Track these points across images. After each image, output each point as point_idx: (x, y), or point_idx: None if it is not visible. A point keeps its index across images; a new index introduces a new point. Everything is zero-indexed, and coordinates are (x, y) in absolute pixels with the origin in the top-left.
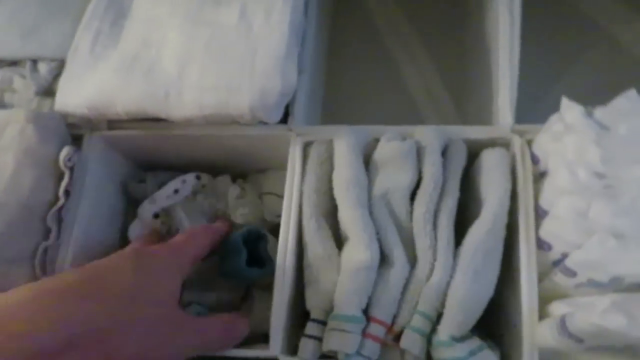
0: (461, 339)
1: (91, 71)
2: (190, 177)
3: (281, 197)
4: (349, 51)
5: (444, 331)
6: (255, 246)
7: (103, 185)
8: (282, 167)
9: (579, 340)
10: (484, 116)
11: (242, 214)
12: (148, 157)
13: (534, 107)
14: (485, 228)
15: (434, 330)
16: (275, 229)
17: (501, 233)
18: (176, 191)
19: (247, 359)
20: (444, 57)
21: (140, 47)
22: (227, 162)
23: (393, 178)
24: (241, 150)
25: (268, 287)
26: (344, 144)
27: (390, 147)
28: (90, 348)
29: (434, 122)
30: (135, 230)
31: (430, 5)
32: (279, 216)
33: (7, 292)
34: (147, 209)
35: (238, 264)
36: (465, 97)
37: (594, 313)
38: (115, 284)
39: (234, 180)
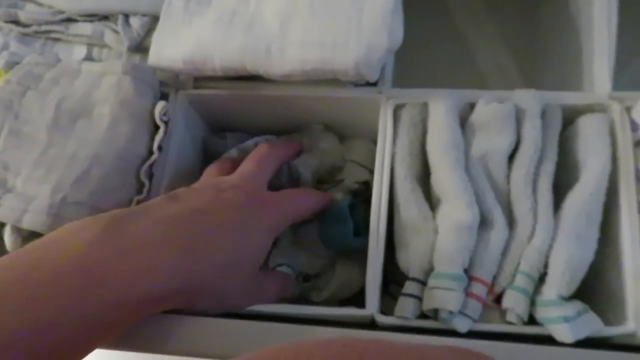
0: (568, 299)
1: (186, 26)
2: (271, 137)
3: (361, 165)
4: (417, 24)
5: (552, 290)
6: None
7: (185, 145)
8: (367, 135)
9: None
10: (564, 85)
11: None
12: (227, 119)
13: (623, 73)
14: (589, 191)
15: (536, 291)
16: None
17: (602, 197)
18: (256, 145)
19: (341, 320)
20: (513, 29)
21: (237, 3)
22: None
23: (492, 141)
24: (328, 115)
25: (348, 254)
26: (441, 107)
27: (490, 109)
28: (187, 300)
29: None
30: None
31: None
32: (358, 182)
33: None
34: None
35: (344, 234)
36: (537, 66)
37: None
38: (215, 248)
39: None
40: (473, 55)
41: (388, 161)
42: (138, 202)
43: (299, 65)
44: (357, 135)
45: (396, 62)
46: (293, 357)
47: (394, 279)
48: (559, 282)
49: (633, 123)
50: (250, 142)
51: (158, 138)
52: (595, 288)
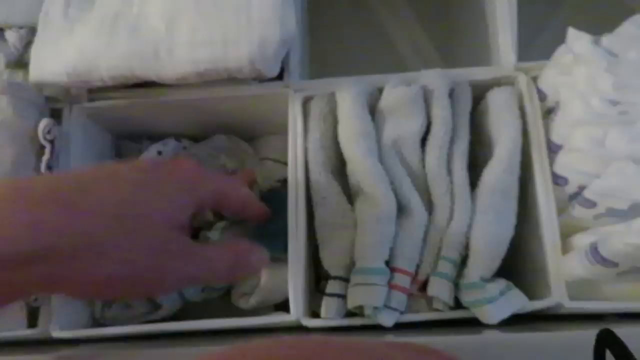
0: (490, 279)
1: (67, 36)
2: (170, 140)
3: (278, 161)
4: (329, 8)
5: (473, 272)
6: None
7: (88, 159)
8: (279, 131)
9: (613, 264)
10: (476, 61)
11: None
12: (133, 128)
13: (532, 45)
14: (501, 167)
15: (459, 274)
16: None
17: (516, 171)
18: (159, 153)
19: (268, 327)
20: (426, 9)
21: (119, 6)
22: (221, 130)
23: (402, 125)
24: (235, 114)
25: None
26: (347, 96)
27: (397, 93)
28: (66, 262)
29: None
30: None
31: None
32: (279, 181)
33: None
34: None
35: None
36: (452, 45)
37: (632, 233)
38: (103, 198)
39: None
40: (390, 38)
41: (301, 157)
42: None
43: (191, 66)
44: (270, 132)
45: (312, 53)
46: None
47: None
48: (479, 263)
49: (540, 92)
50: (153, 151)
51: (45, 158)
52: (521, 263)
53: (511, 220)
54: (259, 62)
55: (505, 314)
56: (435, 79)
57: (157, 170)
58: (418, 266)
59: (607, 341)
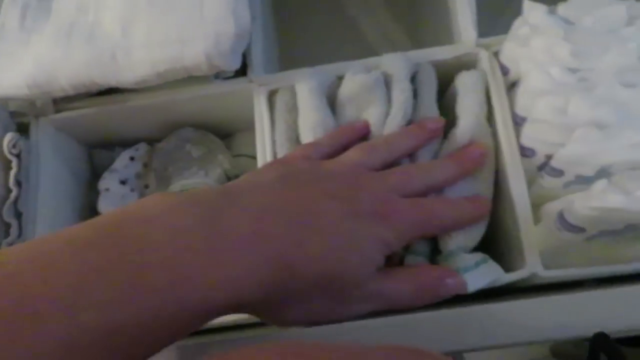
0: (466, 249)
1: (25, 47)
2: (142, 145)
3: (252, 157)
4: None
5: (449, 242)
6: None
7: (59, 171)
8: (250, 126)
9: (581, 230)
10: (442, 41)
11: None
12: (104, 136)
13: (496, 21)
14: (464, 140)
15: (435, 251)
16: None
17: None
18: (132, 158)
19: None
20: None
21: (75, 14)
22: None
23: (363, 114)
24: (204, 114)
25: None
26: (305, 88)
27: (355, 81)
28: (264, 310)
29: None
30: (106, 203)
31: None
32: None
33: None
34: (110, 178)
35: None
36: (419, 27)
37: (592, 197)
38: (320, 244)
39: None
40: (358, 25)
41: (270, 150)
42: (10, 245)
43: (150, 68)
44: (242, 128)
45: (281, 44)
46: None
47: None
48: (455, 236)
49: (503, 67)
50: (125, 157)
51: (12, 173)
52: (497, 238)
53: (481, 187)
54: (216, 58)
55: (480, 284)
56: (394, 62)
57: (365, 222)
58: None
59: (601, 344)
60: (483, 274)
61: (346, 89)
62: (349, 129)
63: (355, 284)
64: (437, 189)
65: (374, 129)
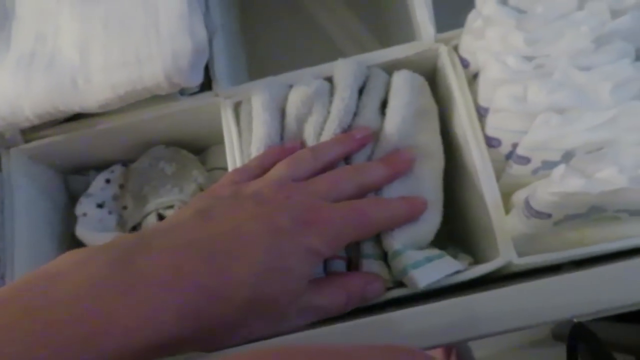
0: (417, 247)
1: None
2: (117, 166)
3: (225, 170)
4: (263, 7)
5: (392, 241)
6: None
7: (35, 201)
8: (222, 140)
9: (547, 215)
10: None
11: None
12: (78, 161)
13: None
14: (394, 140)
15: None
16: None
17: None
18: (107, 181)
19: None
20: None
21: (34, 44)
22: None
23: (305, 124)
24: (176, 131)
25: None
26: (257, 101)
27: (298, 91)
28: (200, 343)
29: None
30: (84, 228)
31: None
32: None
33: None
34: (87, 203)
35: None
36: (384, 26)
37: (553, 183)
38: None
39: None
40: (324, 28)
41: (240, 162)
42: None
43: (111, 91)
44: (215, 142)
45: (250, 54)
46: None
47: None
48: (397, 236)
49: (463, 60)
50: (101, 180)
51: None
52: (471, 232)
53: (424, 183)
54: (176, 76)
55: (432, 278)
56: (340, 70)
57: (288, 235)
58: (348, 250)
59: (579, 334)
60: (436, 268)
61: (290, 101)
62: (277, 149)
63: (288, 302)
64: (370, 190)
65: (312, 138)
